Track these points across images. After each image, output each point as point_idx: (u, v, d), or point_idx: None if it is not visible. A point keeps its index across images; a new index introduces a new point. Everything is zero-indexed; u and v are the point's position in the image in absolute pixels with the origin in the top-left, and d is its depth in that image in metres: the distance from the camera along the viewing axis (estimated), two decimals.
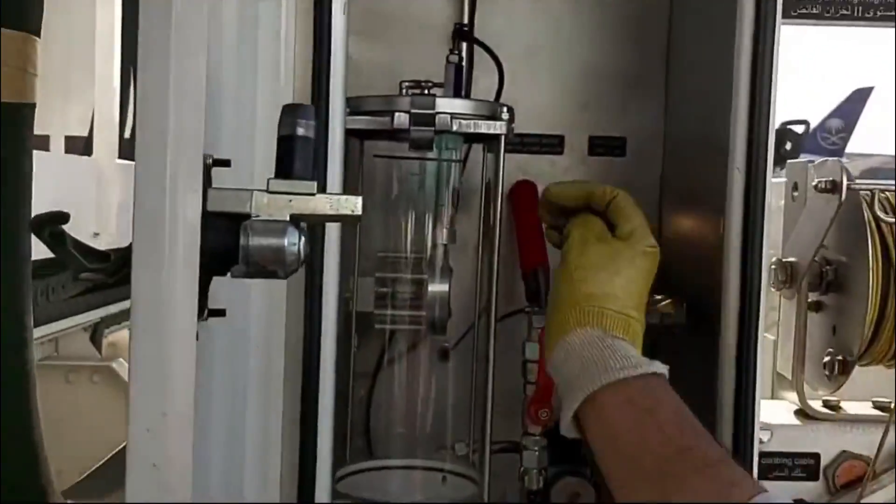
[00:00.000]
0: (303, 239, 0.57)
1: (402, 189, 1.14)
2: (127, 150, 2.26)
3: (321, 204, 0.57)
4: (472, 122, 1.01)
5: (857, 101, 10.68)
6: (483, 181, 1.17)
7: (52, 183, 1.40)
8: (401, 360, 1.21)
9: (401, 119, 0.99)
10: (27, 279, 0.77)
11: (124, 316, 2.98)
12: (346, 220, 0.58)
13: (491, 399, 1.04)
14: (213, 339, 0.70)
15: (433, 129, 0.99)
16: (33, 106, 0.79)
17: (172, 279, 0.49)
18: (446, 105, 1.00)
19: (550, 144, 1.32)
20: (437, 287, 1.11)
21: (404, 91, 1.10)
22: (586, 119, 1.32)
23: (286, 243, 0.56)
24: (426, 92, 1.06)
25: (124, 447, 1.65)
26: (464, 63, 1.18)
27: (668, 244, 1.27)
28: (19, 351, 0.77)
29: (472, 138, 1.04)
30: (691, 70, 1.23)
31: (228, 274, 0.57)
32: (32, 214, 0.56)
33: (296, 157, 0.58)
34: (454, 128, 0.99)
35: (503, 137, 1.02)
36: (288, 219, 0.57)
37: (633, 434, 0.77)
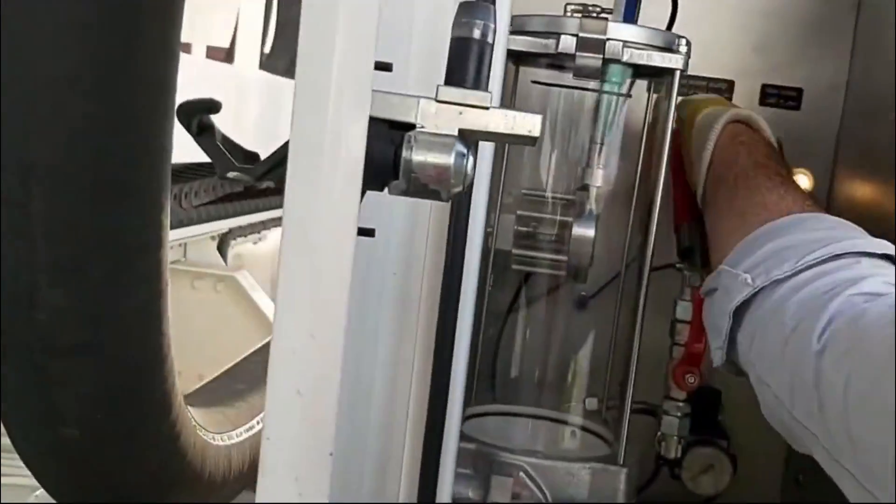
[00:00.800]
0: (471, 158, 0.50)
1: (556, 123, 1.06)
2: (266, 65, 2.24)
3: (496, 119, 0.50)
4: (644, 52, 0.92)
5: None
6: (645, 122, 1.07)
7: (191, 88, 1.35)
8: (535, 303, 1.14)
9: (567, 42, 0.90)
10: (167, 176, 0.73)
11: (252, 228, 3.01)
12: (520, 142, 0.50)
13: (636, 356, 0.96)
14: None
15: (601, 56, 0.90)
16: None
17: (330, 192, 0.43)
18: (618, 31, 0.91)
19: (718, 89, 1.22)
20: (582, 231, 1.04)
21: (569, 14, 1.01)
22: (760, 64, 1.21)
23: (453, 161, 0.49)
24: (595, 16, 0.97)
25: (242, 360, 1.64)
26: None
27: (839, 210, 1.16)
28: (156, 250, 0.74)
29: (642, 70, 0.95)
30: (890, 12, 1.10)
31: (385, 190, 0.51)
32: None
33: (469, 64, 0.51)
34: (625, 57, 0.90)
35: (677, 73, 0.93)
36: (456, 133, 0.50)
37: (726, 153, 0.93)
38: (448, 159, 0.49)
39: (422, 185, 0.50)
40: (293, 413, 0.42)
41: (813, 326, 0.67)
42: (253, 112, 2.01)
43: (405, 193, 0.51)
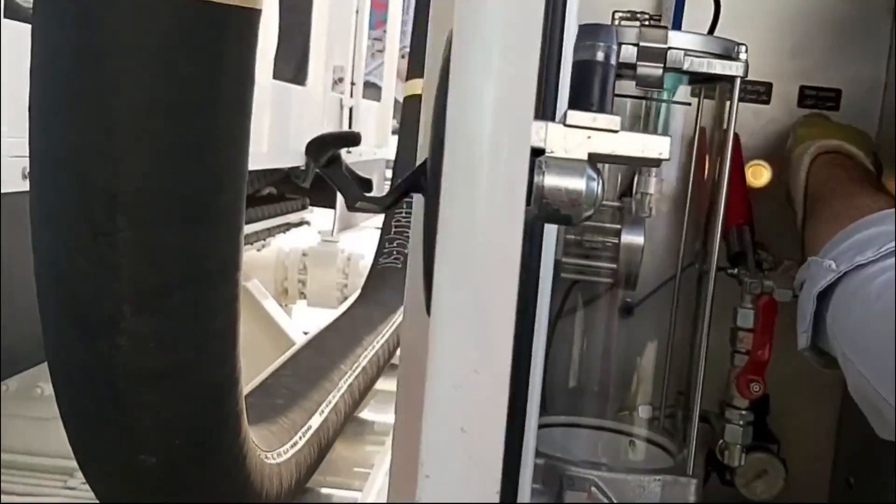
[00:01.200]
0: (601, 182, 0.50)
1: None
2: (278, 71, 2.22)
3: (626, 143, 0.50)
4: (705, 60, 0.91)
5: None
6: (697, 126, 1.07)
7: None
8: (583, 312, 1.14)
9: (628, 52, 0.90)
10: (244, 197, 0.72)
11: (256, 236, 3.00)
12: (649, 164, 0.50)
13: (703, 363, 0.96)
14: None
15: (663, 65, 0.90)
16: (259, 12, 0.73)
17: (493, 215, 0.42)
18: (679, 40, 0.90)
19: (756, 92, 1.21)
20: (632, 238, 1.03)
21: (618, 21, 1.01)
22: (798, 66, 1.20)
23: (585, 185, 0.49)
24: (648, 23, 0.96)
25: (273, 373, 1.62)
26: None
27: None
28: (234, 273, 0.73)
29: (700, 78, 0.95)
30: None
31: None
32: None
33: (594, 86, 0.51)
34: (685, 66, 0.90)
35: (738, 80, 0.93)
36: (585, 157, 0.50)
37: (821, 175, 0.97)
38: (580, 184, 0.49)
39: (554, 211, 0.49)
40: (456, 450, 0.41)
41: None
42: (267, 121, 1.99)
43: (536, 220, 0.50)
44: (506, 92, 0.42)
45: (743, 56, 0.92)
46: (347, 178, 0.49)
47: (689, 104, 0.97)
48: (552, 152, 0.49)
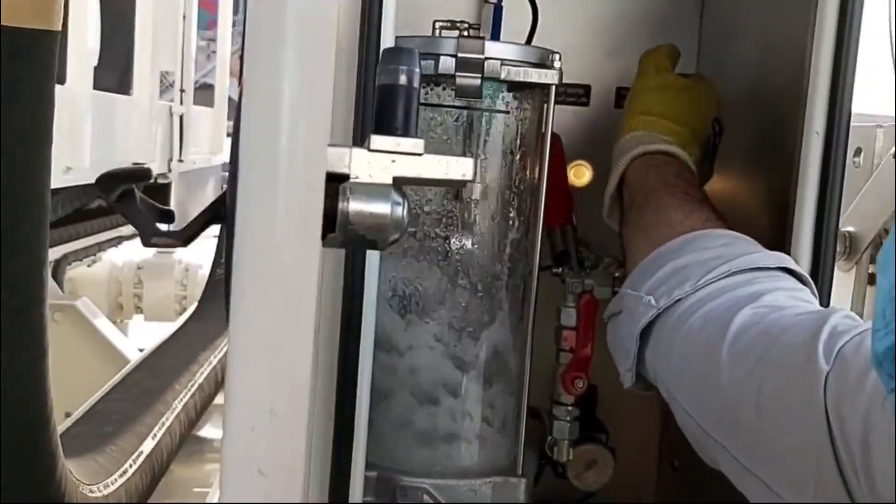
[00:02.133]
0: (406, 205, 0.50)
1: (433, 139, 1.06)
2: (99, 80, 2.13)
3: (430, 165, 0.50)
4: (521, 69, 0.93)
5: None
6: (518, 133, 1.09)
7: None
8: None
9: (446, 63, 0.90)
10: (47, 229, 0.68)
11: (85, 252, 2.86)
12: (454, 185, 0.50)
13: (528, 364, 0.97)
14: None
15: (481, 75, 0.91)
16: (57, 34, 0.69)
17: (289, 255, 0.41)
18: (495, 50, 0.92)
19: (576, 94, 1.25)
20: (462, 242, 1.04)
21: (438, 32, 1.01)
22: (615, 67, 1.24)
23: (391, 209, 0.48)
24: (467, 34, 0.97)
25: (102, 398, 1.55)
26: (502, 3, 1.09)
27: None
28: (40, 307, 0.69)
29: (517, 86, 0.96)
30: (733, 18, 1.17)
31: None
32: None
33: (398, 110, 0.50)
34: (503, 75, 0.91)
35: (553, 87, 0.95)
36: (390, 181, 0.49)
37: (637, 175, 0.98)
38: (386, 208, 0.49)
39: (360, 236, 0.49)
40: (254, 494, 0.39)
41: (720, 340, 0.70)
42: (88, 133, 1.90)
43: (341, 245, 0.49)
44: (300, 117, 0.42)
45: (557, 64, 0.94)
46: (142, 213, 0.47)
47: (508, 112, 0.98)
48: (357, 178, 0.49)
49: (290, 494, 0.39)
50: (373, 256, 0.81)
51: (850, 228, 1.01)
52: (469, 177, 0.50)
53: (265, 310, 0.40)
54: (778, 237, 0.91)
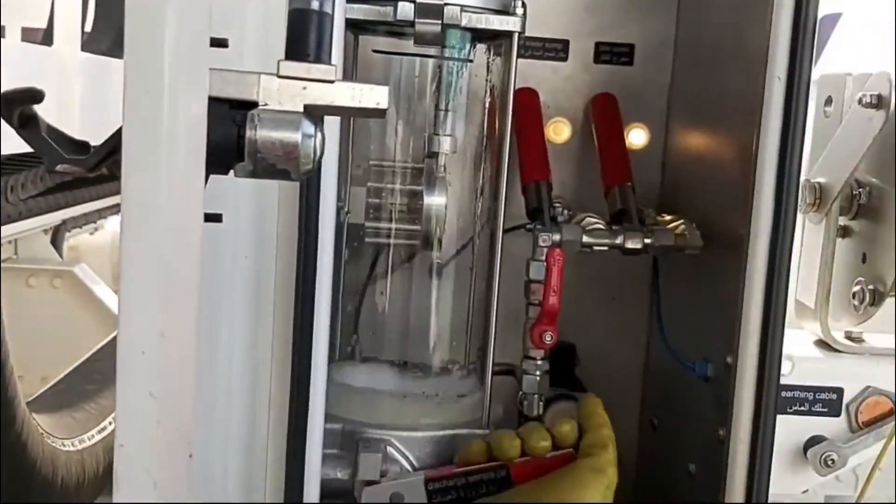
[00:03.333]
0: (319, 134, 0.49)
1: (400, 91, 1.05)
2: (87, 44, 2.12)
3: (341, 93, 0.49)
4: (483, 16, 0.91)
5: (825, 27, 10.65)
6: (487, 86, 1.08)
7: (7, 74, 1.27)
8: (392, 275, 1.13)
9: (405, 10, 0.89)
10: None
11: (86, 218, 2.87)
12: (368, 115, 0.49)
13: (494, 319, 0.97)
14: None
15: (440, 21, 0.89)
16: None
17: (172, 179, 0.40)
18: None
19: (554, 49, 1.23)
20: (433, 199, 1.03)
21: None
22: (593, 23, 1.23)
23: (301, 138, 0.48)
24: None
25: (88, 358, 1.57)
26: None
27: (676, 161, 1.21)
28: None
29: (481, 35, 0.95)
30: None
31: (231, 173, 0.48)
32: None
33: (310, 36, 0.49)
34: (463, 21, 0.90)
35: (516, 35, 0.93)
36: (302, 109, 0.48)
37: None
38: (295, 136, 0.48)
39: (270, 166, 0.48)
40: (147, 417, 0.39)
41: None
42: (78, 97, 1.90)
43: (253, 175, 0.48)
44: (182, 40, 0.41)
45: (519, 11, 0.93)
46: (45, 140, 0.47)
47: (471, 61, 0.97)
48: (266, 105, 0.48)
49: (180, 416, 0.39)
50: (327, 209, 0.81)
51: (821, 179, 1.00)
52: (383, 106, 0.49)
53: (152, 237, 0.40)
54: (747, 190, 0.90)
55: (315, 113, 0.49)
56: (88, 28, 2.33)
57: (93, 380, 1.35)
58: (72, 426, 1.11)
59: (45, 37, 1.95)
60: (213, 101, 0.46)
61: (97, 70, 2.06)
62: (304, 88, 0.48)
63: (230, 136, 0.47)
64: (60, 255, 2.65)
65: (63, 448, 1.01)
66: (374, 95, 0.49)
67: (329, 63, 0.49)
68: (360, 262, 1.13)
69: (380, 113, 0.50)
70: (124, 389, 0.39)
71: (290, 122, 0.48)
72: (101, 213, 2.96)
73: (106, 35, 2.41)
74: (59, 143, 0.48)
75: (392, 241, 1.09)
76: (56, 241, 2.65)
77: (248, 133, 0.47)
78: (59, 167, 0.47)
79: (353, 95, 0.49)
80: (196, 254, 0.40)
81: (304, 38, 0.49)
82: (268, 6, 0.66)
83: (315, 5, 0.49)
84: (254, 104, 0.48)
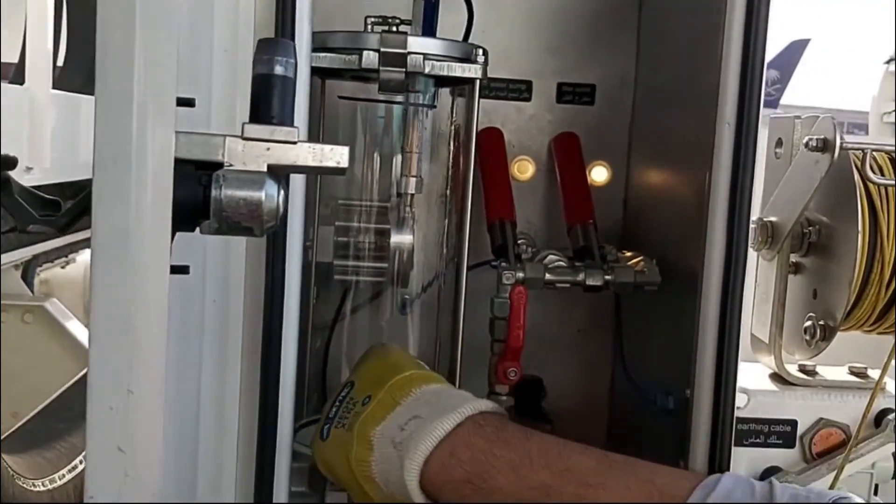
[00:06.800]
0: (282, 192, 0.51)
1: (367, 134, 1.08)
2: (59, 80, 2.12)
3: (304, 153, 0.51)
4: (445, 63, 0.94)
5: (793, 52, 10.80)
6: (451, 127, 1.11)
7: None
8: (360, 311, 1.15)
9: (370, 58, 0.92)
10: None
11: (56, 253, 2.86)
12: (330, 173, 0.52)
13: (460, 354, 0.99)
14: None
15: (404, 69, 0.92)
16: None
17: (141, 233, 0.42)
18: (418, 45, 0.93)
19: (518, 90, 1.26)
20: (400, 238, 1.06)
21: (370, 27, 1.02)
22: (554, 64, 1.26)
23: (264, 196, 0.50)
24: (395, 29, 0.99)
25: (59, 395, 1.57)
26: None
27: (637, 198, 1.24)
28: None
29: (444, 81, 0.98)
30: (667, 14, 1.18)
31: (197, 230, 0.51)
32: None
33: (273, 100, 0.52)
34: (426, 69, 0.93)
35: (478, 82, 0.96)
36: (265, 169, 0.51)
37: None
38: (259, 195, 0.50)
39: (235, 224, 0.50)
40: (116, 470, 0.41)
41: None
42: (48, 133, 1.90)
43: (218, 232, 0.51)
44: (149, 103, 0.43)
45: (480, 59, 0.96)
46: (18, 202, 0.49)
47: (434, 106, 1.00)
48: (231, 165, 0.50)
49: (146, 471, 0.41)
50: (293, 252, 0.83)
51: (773, 218, 1.03)
52: (343, 164, 0.52)
53: (121, 295, 0.42)
54: (702, 228, 0.93)
55: (279, 172, 0.51)
56: (60, 62, 2.34)
57: (63, 418, 1.35)
58: (42, 466, 1.12)
59: (17, 72, 1.96)
60: (180, 162, 0.49)
61: (69, 107, 2.07)
62: (268, 149, 0.51)
63: (196, 196, 0.49)
64: (31, 290, 2.64)
65: (34, 489, 1.02)
66: (334, 155, 0.51)
67: (292, 125, 0.52)
68: (330, 300, 1.15)
69: (340, 171, 0.53)
70: (93, 444, 0.41)
71: (253, 182, 0.50)
72: (73, 247, 2.95)
73: (78, 72, 2.42)
74: (30, 204, 0.50)
75: (360, 278, 1.11)
76: (27, 276, 2.64)
77: (214, 192, 0.49)
78: (30, 227, 0.49)
79: (314, 155, 0.51)
80: (163, 310, 0.42)
81: (267, 102, 0.52)
82: (235, 67, 0.69)
83: (279, 70, 0.52)
84: (219, 164, 0.50)
